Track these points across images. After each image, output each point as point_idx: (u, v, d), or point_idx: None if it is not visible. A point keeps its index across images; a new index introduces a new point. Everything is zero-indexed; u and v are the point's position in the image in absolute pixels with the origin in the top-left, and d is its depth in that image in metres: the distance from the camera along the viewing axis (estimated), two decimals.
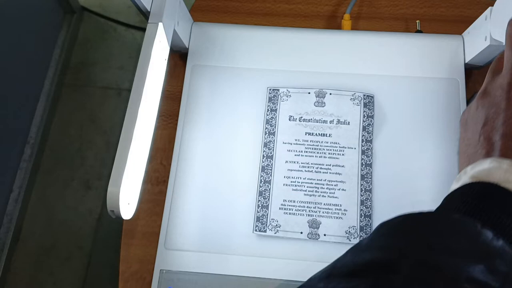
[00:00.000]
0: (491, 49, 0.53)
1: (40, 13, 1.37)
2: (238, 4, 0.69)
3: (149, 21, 0.48)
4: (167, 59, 0.51)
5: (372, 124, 0.57)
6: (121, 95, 1.45)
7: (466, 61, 0.59)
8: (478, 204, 0.29)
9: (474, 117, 0.39)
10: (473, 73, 0.62)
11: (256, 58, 0.61)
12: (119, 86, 1.45)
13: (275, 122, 0.58)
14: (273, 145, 0.57)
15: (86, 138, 1.44)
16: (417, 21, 0.65)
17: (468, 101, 0.60)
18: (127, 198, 0.42)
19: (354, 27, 0.66)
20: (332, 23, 0.66)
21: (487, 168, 0.32)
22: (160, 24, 0.47)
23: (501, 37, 0.50)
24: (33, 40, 1.34)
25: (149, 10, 0.48)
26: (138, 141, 0.44)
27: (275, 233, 0.53)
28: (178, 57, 0.64)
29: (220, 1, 0.69)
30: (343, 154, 0.56)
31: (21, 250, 1.35)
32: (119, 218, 0.42)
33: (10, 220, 1.30)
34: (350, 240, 0.53)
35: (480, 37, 0.55)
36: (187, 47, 0.60)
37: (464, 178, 0.33)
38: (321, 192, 0.55)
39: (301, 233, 0.53)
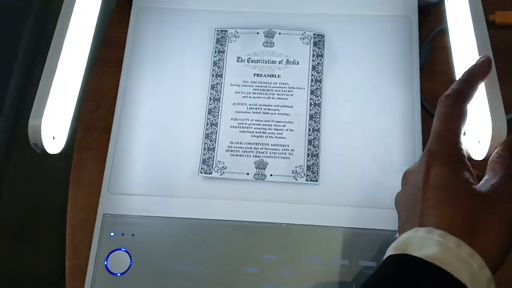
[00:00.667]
0: None
1: None
2: None
3: None
4: None
5: (322, 63, 0.56)
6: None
7: None
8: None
9: (414, 175, 0.38)
10: (431, 12, 0.60)
11: None
12: None
13: (223, 64, 0.56)
14: (221, 87, 0.55)
15: None
16: None
17: (423, 41, 0.58)
18: (51, 131, 0.41)
19: None
20: None
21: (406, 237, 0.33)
22: None
23: None
24: (6, 8, 1.32)
25: None
26: (63, 74, 0.42)
27: (221, 174, 0.52)
28: (127, 3, 0.62)
29: None
30: (291, 95, 0.55)
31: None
32: (43, 152, 0.40)
33: None
34: (296, 180, 0.52)
35: None
36: None
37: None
38: (268, 133, 0.53)
39: (248, 174, 0.52)
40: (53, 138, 0.41)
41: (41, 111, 0.39)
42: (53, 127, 0.41)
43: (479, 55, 0.42)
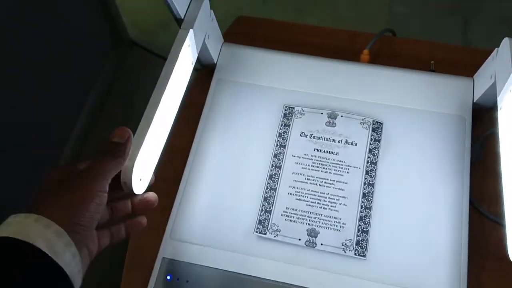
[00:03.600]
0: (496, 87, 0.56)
1: (91, 41, 1.49)
2: (268, 33, 0.75)
3: (181, 27, 0.54)
4: (193, 63, 0.57)
5: (379, 147, 0.60)
6: None
7: (474, 101, 0.62)
8: None
9: None
10: (483, 114, 0.65)
11: (277, 79, 0.66)
12: None
13: (287, 136, 0.62)
14: (283, 157, 0.61)
15: None
16: (431, 62, 0.69)
17: (476, 140, 0.63)
18: (139, 174, 0.46)
19: (372, 63, 0.71)
20: (352, 58, 0.71)
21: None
22: (191, 31, 0.53)
23: (505, 75, 0.53)
24: (82, 65, 1.45)
25: (183, 18, 0.54)
26: (156, 127, 0.49)
27: (274, 236, 0.56)
28: (208, 73, 0.70)
29: (251, 29, 0.76)
30: (347, 172, 0.59)
31: None
32: (130, 191, 0.46)
33: None
34: (345, 252, 0.55)
35: (487, 77, 0.58)
36: (215, 62, 0.66)
37: None
38: (322, 204, 0.58)
39: (299, 239, 0.56)
40: (140, 180, 0.47)
41: (134, 156, 0.45)
42: (142, 171, 0.47)
43: None
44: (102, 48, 1.57)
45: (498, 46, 0.57)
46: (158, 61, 1.66)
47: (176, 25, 0.56)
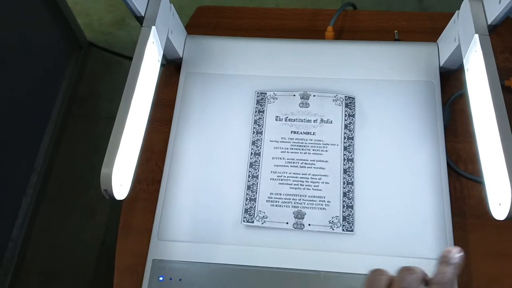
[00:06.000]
0: (461, 49, 0.57)
1: (49, 47, 1.45)
2: (230, 21, 0.74)
3: (143, 25, 0.53)
4: (160, 60, 0.56)
5: (354, 122, 0.61)
6: None
7: (441, 65, 0.63)
8: None
9: None
10: (450, 77, 0.66)
11: (245, 66, 0.65)
12: None
13: (263, 122, 0.62)
14: (261, 143, 0.60)
15: (91, 166, 1.48)
16: (395, 31, 0.69)
17: (445, 104, 0.64)
18: (119, 179, 0.45)
19: (337, 39, 0.71)
20: (317, 36, 0.71)
21: None
22: (153, 28, 0.52)
23: (468, 38, 0.54)
24: (42, 72, 1.41)
25: (143, 15, 0.53)
26: (130, 129, 0.48)
27: (262, 223, 0.56)
28: (174, 68, 0.69)
29: (213, 19, 0.75)
30: (326, 150, 0.60)
31: (25, 275, 1.36)
32: (112, 198, 0.45)
33: (15, 245, 1.33)
34: (333, 229, 0.55)
35: (451, 40, 0.59)
36: (181, 56, 0.65)
37: None
38: (305, 185, 0.58)
39: (287, 223, 0.56)
40: (121, 185, 0.46)
41: (112, 161, 0.44)
42: (121, 176, 0.46)
43: (496, 119, 0.47)
44: (60, 54, 1.53)
45: (453, 9, 0.58)
46: (119, 60, 1.63)
47: (132, 21, 0.55)
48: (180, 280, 0.54)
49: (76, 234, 1.41)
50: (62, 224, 1.42)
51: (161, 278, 0.54)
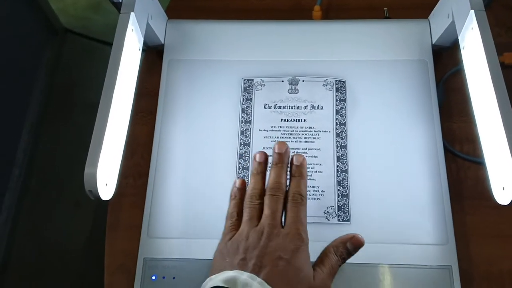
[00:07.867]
0: (454, 26, 0.55)
1: (23, 35, 1.39)
2: (211, 3, 0.71)
3: (121, 12, 0.49)
4: (141, 48, 0.52)
5: (345, 107, 0.59)
6: None
7: (433, 42, 0.61)
8: None
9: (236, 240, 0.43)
10: (442, 55, 0.64)
11: (230, 50, 0.62)
12: None
13: (251, 110, 0.59)
14: (250, 133, 0.58)
15: (74, 157, 1.45)
16: (384, 8, 0.67)
17: (438, 82, 0.62)
18: (105, 178, 0.43)
19: (325, 19, 0.68)
20: (304, 16, 0.68)
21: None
22: (132, 14, 0.49)
23: (463, 14, 0.51)
24: (16, 62, 1.36)
25: (120, 0, 0.50)
26: (114, 124, 0.45)
27: None
28: (155, 54, 0.65)
29: (193, 1, 0.71)
30: (318, 138, 0.57)
31: (12, 271, 1.33)
32: (97, 198, 0.42)
33: None
34: (329, 220, 0.54)
35: (444, 16, 0.57)
36: (162, 43, 0.62)
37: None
38: None
39: None
40: (106, 185, 0.43)
41: (95, 160, 0.42)
42: (106, 175, 0.43)
43: (496, 95, 0.45)
44: (35, 41, 1.47)
45: None
46: (98, 46, 1.57)
47: (109, 5, 0.51)
48: (174, 278, 0.52)
49: (62, 228, 1.38)
50: (48, 218, 1.39)
51: (153, 277, 0.52)
